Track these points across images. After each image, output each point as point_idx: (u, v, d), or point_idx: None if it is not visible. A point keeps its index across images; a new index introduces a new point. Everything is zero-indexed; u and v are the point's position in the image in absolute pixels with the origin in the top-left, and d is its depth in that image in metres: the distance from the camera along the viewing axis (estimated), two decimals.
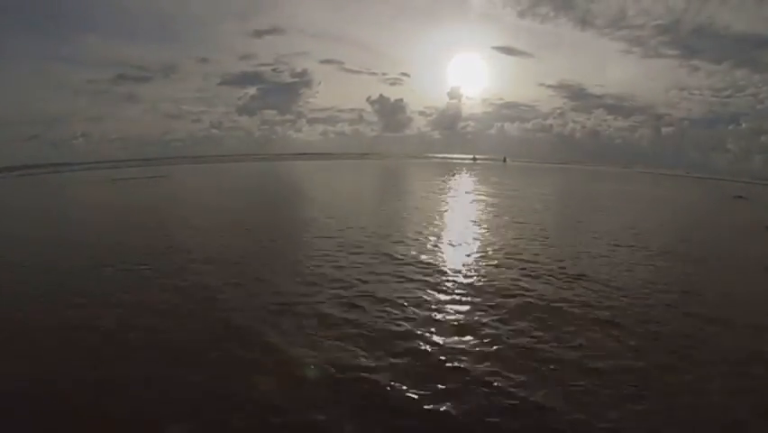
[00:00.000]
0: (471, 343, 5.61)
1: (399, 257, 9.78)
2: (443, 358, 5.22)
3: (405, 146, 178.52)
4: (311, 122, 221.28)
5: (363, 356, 5.22)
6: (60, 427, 4.13)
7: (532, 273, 8.75)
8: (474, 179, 39.54)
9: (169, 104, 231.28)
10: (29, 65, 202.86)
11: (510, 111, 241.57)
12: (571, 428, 4.03)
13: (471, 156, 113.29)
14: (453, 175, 43.70)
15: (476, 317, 6.42)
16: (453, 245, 11.35)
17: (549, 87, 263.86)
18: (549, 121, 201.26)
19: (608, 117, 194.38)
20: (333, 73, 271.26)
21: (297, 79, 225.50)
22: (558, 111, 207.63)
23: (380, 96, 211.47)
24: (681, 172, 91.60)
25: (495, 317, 6.41)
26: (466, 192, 26.79)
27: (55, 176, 50.70)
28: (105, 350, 5.47)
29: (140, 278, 8.43)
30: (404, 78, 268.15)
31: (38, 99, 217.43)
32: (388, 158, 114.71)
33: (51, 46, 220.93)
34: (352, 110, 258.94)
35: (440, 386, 4.65)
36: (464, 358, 5.22)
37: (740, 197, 34.67)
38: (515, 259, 9.86)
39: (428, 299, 7.16)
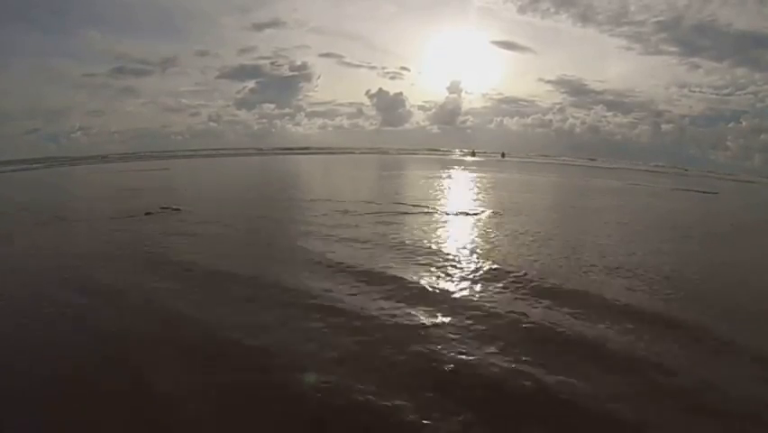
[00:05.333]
0: None
1: None
2: None
3: (404, 140, 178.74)
4: (310, 116, 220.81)
5: None
6: None
7: None
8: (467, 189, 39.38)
9: (168, 97, 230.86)
10: (27, 60, 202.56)
11: (509, 106, 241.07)
12: None
13: (470, 151, 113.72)
14: (441, 175, 39.63)
15: None
16: None
17: (549, 82, 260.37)
18: (548, 116, 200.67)
19: (608, 114, 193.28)
20: (332, 67, 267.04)
21: (296, 73, 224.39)
22: (557, 106, 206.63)
23: (380, 90, 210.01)
24: (679, 169, 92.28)
25: None
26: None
27: (57, 170, 51.84)
28: None
29: None
30: (404, 72, 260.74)
31: (37, 93, 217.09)
32: (371, 152, 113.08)
33: (50, 41, 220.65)
34: (351, 104, 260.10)
35: None
36: None
37: (709, 192, 35.58)
38: None
39: None
